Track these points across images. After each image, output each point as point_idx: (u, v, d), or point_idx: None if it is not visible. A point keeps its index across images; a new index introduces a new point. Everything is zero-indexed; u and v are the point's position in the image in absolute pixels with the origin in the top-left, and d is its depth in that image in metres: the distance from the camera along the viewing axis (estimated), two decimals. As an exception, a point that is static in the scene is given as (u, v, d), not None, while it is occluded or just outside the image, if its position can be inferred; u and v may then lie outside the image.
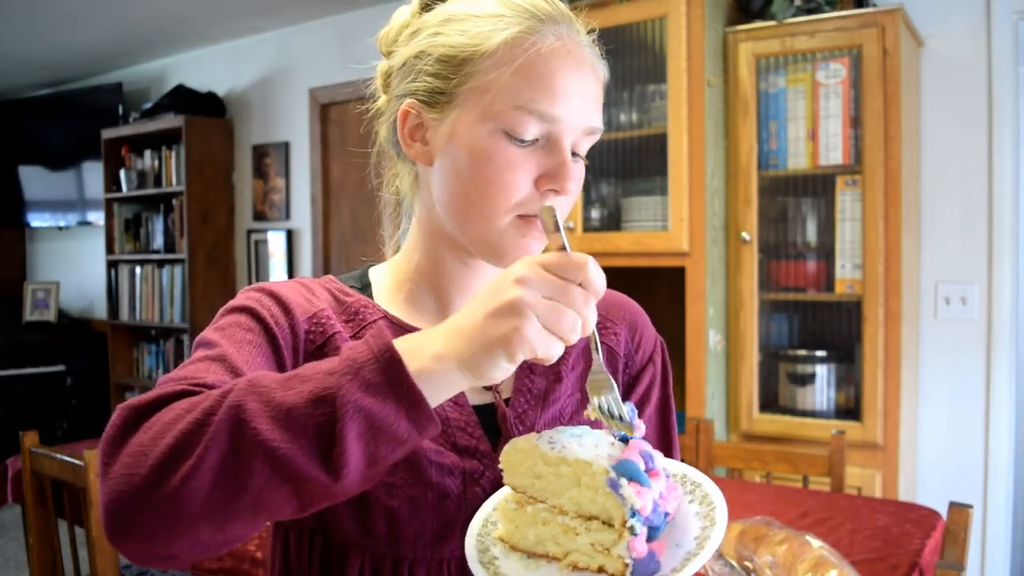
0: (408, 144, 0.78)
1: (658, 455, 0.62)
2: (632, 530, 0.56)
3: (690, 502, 0.63)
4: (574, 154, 0.75)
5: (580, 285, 0.58)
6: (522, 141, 0.72)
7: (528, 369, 0.81)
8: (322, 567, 0.74)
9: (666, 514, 0.59)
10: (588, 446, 0.61)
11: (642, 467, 0.58)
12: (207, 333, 0.71)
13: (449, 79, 0.74)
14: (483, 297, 0.58)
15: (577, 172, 0.75)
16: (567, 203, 0.76)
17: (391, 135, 0.83)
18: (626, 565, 0.57)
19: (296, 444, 0.53)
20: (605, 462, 0.58)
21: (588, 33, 0.78)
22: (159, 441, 0.54)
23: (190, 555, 0.57)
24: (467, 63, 0.73)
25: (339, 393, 0.54)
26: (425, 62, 0.76)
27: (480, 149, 0.72)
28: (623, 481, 0.57)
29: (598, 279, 0.58)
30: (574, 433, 0.63)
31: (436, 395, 0.57)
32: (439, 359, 0.57)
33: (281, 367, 0.72)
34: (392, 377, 0.55)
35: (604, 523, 0.59)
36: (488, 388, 0.79)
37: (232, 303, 0.75)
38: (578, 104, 0.73)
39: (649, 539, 0.58)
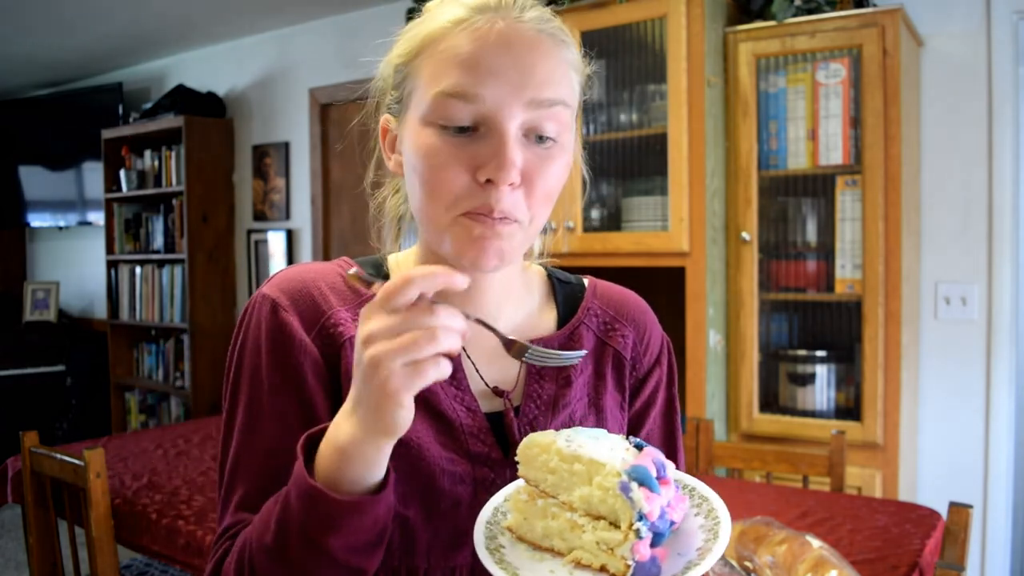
0: (388, 157, 0.79)
1: (670, 465, 0.63)
2: (638, 533, 0.58)
3: (696, 514, 0.64)
4: (541, 137, 0.69)
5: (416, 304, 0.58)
6: (457, 130, 0.68)
7: (537, 375, 0.80)
8: None
9: (672, 522, 0.61)
10: (603, 448, 0.62)
11: (654, 474, 0.60)
12: (238, 414, 0.74)
13: (401, 84, 0.75)
14: (355, 371, 0.61)
15: (537, 157, 0.69)
16: (541, 193, 0.70)
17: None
18: (628, 566, 0.58)
19: None
20: (619, 465, 0.59)
21: (548, 5, 0.75)
22: None
23: None
24: (406, 66, 0.74)
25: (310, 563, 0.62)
26: (387, 77, 0.77)
27: (420, 146, 0.70)
28: (634, 485, 0.58)
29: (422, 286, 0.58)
30: (591, 434, 0.65)
31: (372, 471, 0.62)
32: (348, 457, 0.61)
33: (310, 399, 0.74)
34: (329, 517, 0.61)
35: (611, 524, 0.60)
36: (499, 395, 0.79)
37: (244, 345, 0.76)
38: (511, 78, 0.67)
39: (653, 544, 0.59)
